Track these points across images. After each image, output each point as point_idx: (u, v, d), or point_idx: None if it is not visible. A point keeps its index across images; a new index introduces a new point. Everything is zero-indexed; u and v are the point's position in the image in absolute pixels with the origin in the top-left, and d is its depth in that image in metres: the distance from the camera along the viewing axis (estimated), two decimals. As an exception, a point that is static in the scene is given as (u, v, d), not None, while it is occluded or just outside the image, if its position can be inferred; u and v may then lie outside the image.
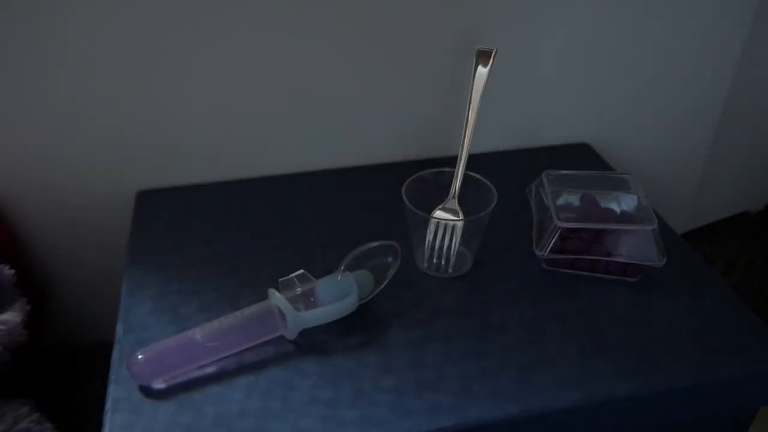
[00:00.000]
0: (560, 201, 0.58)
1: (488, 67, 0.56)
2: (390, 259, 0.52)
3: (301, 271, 0.49)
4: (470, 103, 0.56)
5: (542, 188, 0.59)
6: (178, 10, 0.58)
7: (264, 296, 0.49)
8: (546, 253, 0.54)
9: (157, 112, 0.64)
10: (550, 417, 0.44)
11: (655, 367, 0.47)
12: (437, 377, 0.46)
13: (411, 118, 0.71)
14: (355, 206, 0.65)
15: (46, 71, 0.59)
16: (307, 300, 0.49)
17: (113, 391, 0.45)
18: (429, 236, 0.54)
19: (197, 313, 0.51)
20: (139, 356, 0.45)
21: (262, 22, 0.61)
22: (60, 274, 0.72)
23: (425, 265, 0.56)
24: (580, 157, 0.76)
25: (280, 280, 0.49)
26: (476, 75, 0.56)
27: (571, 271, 0.56)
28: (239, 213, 0.64)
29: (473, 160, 0.56)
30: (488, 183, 0.55)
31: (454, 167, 0.56)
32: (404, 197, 0.53)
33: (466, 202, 0.55)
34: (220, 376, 0.46)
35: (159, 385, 0.45)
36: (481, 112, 0.56)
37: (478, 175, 0.56)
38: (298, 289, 0.49)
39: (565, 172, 0.61)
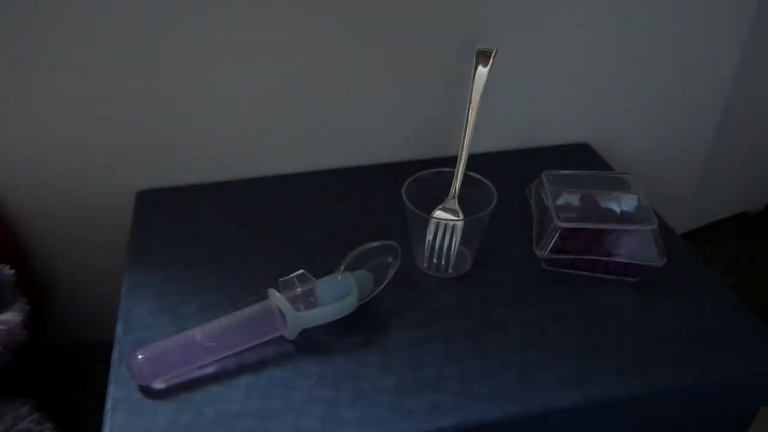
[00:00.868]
0: (560, 201, 0.58)
1: (488, 67, 0.56)
2: (390, 259, 0.52)
3: (301, 271, 0.49)
4: (470, 103, 0.56)
5: (542, 188, 0.59)
6: (178, 11, 0.58)
7: (264, 296, 0.49)
8: (546, 253, 0.54)
9: (157, 112, 0.64)
10: (550, 417, 0.44)
11: (655, 367, 0.47)
12: (437, 377, 0.46)
13: (411, 118, 0.71)
14: (355, 206, 0.65)
15: (46, 71, 0.59)
16: (307, 300, 0.49)
17: (113, 391, 0.45)
18: (429, 236, 0.54)
19: (197, 313, 0.51)
20: (139, 356, 0.45)
21: (262, 23, 0.61)
22: (60, 274, 0.72)
23: (425, 265, 0.56)
24: (580, 157, 0.76)
25: (280, 280, 0.49)
26: (476, 75, 0.56)
27: (571, 271, 0.56)
28: (239, 213, 0.64)
29: (473, 160, 0.56)
30: (488, 183, 0.55)
31: (454, 167, 0.56)
32: (404, 197, 0.53)
33: (466, 202, 0.55)
34: (220, 376, 0.46)
35: (159, 385, 0.45)
36: (481, 112, 0.56)
37: (478, 175, 0.56)
38: (298, 289, 0.49)
39: (565, 172, 0.61)
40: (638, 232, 0.54)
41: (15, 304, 0.57)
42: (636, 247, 0.54)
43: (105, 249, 0.70)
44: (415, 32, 0.65)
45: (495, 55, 0.56)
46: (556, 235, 0.54)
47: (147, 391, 0.45)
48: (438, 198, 0.56)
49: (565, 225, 0.53)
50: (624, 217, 0.56)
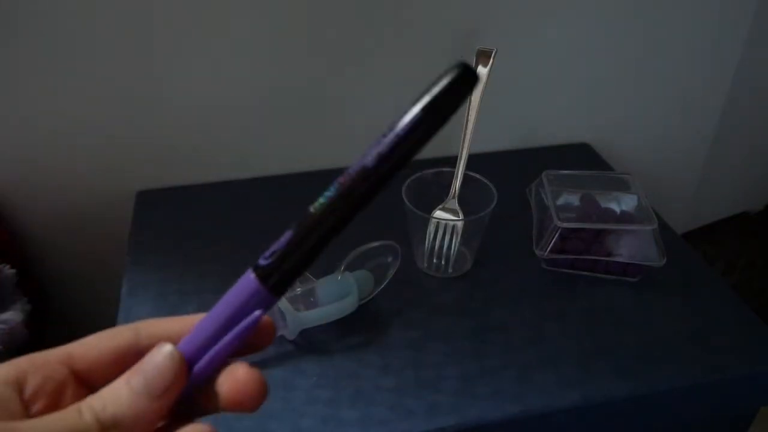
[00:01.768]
0: (560, 201, 0.58)
1: (488, 67, 0.56)
2: (390, 259, 0.52)
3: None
4: (470, 103, 0.56)
5: (542, 188, 0.59)
6: (178, 11, 0.58)
7: (264, 296, 0.49)
8: (546, 253, 0.54)
9: (156, 112, 0.64)
10: (550, 417, 0.44)
11: (655, 367, 0.47)
12: (437, 377, 0.46)
13: (411, 118, 0.71)
14: (355, 206, 0.65)
15: (46, 72, 0.59)
16: (307, 300, 0.49)
17: (113, 391, 0.45)
18: (429, 236, 0.54)
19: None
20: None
21: (262, 23, 0.61)
22: (60, 274, 0.72)
23: (425, 265, 0.56)
24: (580, 157, 0.76)
25: (280, 280, 0.49)
26: (476, 75, 0.56)
27: (571, 271, 0.56)
28: (239, 213, 0.64)
29: (473, 160, 0.56)
30: (488, 183, 0.55)
31: (454, 167, 0.56)
32: (404, 197, 0.53)
33: (466, 202, 0.55)
34: (220, 376, 0.46)
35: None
36: (481, 112, 0.55)
37: (478, 175, 0.56)
38: (298, 289, 0.49)
39: (565, 172, 0.61)
40: (638, 232, 0.54)
41: (16, 303, 0.57)
42: (636, 247, 0.54)
43: (105, 249, 0.70)
44: (415, 32, 0.65)
45: (495, 55, 0.56)
46: (556, 235, 0.54)
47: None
48: (438, 198, 0.56)
49: (565, 225, 0.53)
50: (624, 217, 0.56)
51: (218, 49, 0.61)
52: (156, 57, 0.60)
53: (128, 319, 0.51)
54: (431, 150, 0.80)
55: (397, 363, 0.47)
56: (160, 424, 0.27)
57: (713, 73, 0.78)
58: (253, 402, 0.28)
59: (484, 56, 0.56)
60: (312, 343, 0.49)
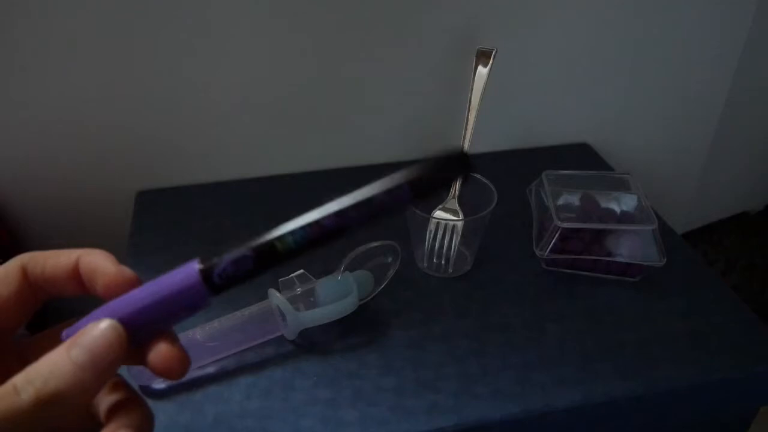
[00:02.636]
0: (560, 201, 0.58)
1: (488, 67, 0.56)
2: (390, 259, 0.52)
3: (301, 271, 0.49)
4: (470, 103, 0.56)
5: (542, 188, 0.59)
6: (178, 11, 0.58)
7: (264, 296, 0.49)
8: (546, 253, 0.54)
9: (157, 112, 0.64)
10: (550, 417, 0.44)
11: (655, 367, 0.47)
12: (437, 377, 0.46)
13: (411, 118, 0.71)
14: (355, 206, 0.65)
15: (46, 72, 0.59)
16: (307, 300, 0.49)
17: (113, 391, 0.45)
18: (429, 236, 0.54)
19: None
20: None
21: (262, 24, 0.61)
22: (60, 274, 0.72)
23: (425, 265, 0.56)
24: (580, 157, 0.76)
25: (280, 280, 0.49)
26: (476, 75, 0.56)
27: (571, 271, 0.56)
28: (239, 213, 0.64)
29: (473, 160, 0.56)
30: (488, 183, 0.55)
31: (454, 167, 0.56)
32: (404, 197, 0.53)
33: (466, 202, 0.55)
34: (220, 376, 0.46)
35: (159, 385, 0.45)
36: (481, 112, 0.56)
37: (478, 175, 0.56)
38: (298, 289, 0.49)
39: (565, 172, 0.61)
40: (638, 232, 0.54)
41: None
42: (636, 247, 0.54)
43: (105, 249, 0.70)
44: (415, 32, 0.65)
45: (495, 55, 0.56)
46: (556, 235, 0.54)
47: (147, 391, 0.45)
48: (438, 198, 0.56)
49: (565, 225, 0.53)
50: (624, 217, 0.56)
51: (218, 50, 0.61)
52: (156, 57, 0.60)
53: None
54: (431, 150, 0.80)
55: (397, 363, 0.47)
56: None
57: (713, 73, 0.78)
58: (176, 376, 0.28)
59: (484, 56, 0.57)
60: (312, 343, 0.49)
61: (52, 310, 0.74)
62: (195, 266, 0.28)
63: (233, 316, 0.48)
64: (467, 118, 0.56)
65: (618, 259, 0.54)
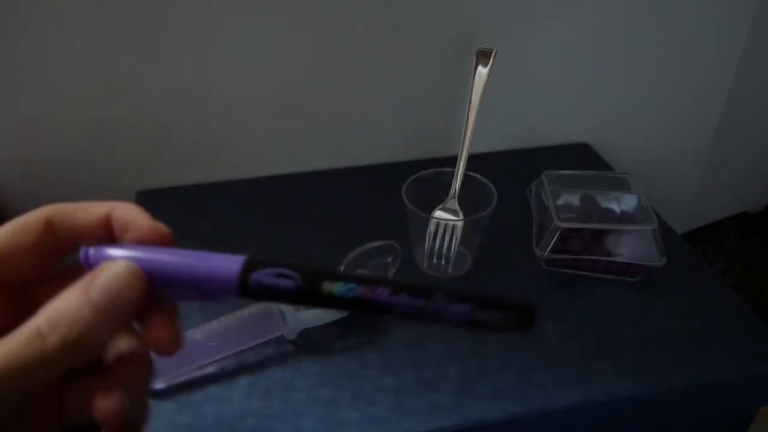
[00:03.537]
0: (560, 201, 0.58)
1: (488, 67, 0.56)
2: (390, 259, 0.52)
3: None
4: (470, 103, 0.56)
5: (542, 188, 0.59)
6: (179, 11, 0.58)
7: (264, 296, 0.49)
8: (546, 253, 0.54)
9: (157, 112, 0.64)
10: (550, 417, 0.44)
11: (655, 367, 0.47)
12: (437, 377, 0.46)
13: (411, 118, 0.71)
14: (355, 206, 0.65)
15: (46, 71, 0.59)
16: (307, 300, 0.49)
17: (113, 391, 0.45)
18: (429, 236, 0.54)
19: (197, 313, 0.51)
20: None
21: (262, 23, 0.61)
22: (60, 274, 0.72)
23: (425, 265, 0.56)
24: (580, 157, 0.76)
25: (280, 280, 0.49)
26: (476, 75, 0.56)
27: (571, 271, 0.56)
28: (239, 213, 0.64)
29: (473, 160, 0.56)
30: (488, 183, 0.55)
31: (454, 167, 0.56)
32: (404, 197, 0.53)
33: (466, 202, 0.55)
34: (220, 376, 0.46)
35: (159, 385, 0.45)
36: (481, 112, 0.56)
37: (478, 175, 0.56)
38: (298, 289, 0.49)
39: (565, 172, 0.61)
40: (638, 232, 0.54)
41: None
42: (636, 247, 0.54)
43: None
44: (415, 32, 0.65)
45: (495, 55, 0.56)
46: (556, 235, 0.54)
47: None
48: (438, 198, 0.56)
49: (565, 225, 0.53)
50: (624, 217, 0.56)
51: (219, 50, 0.61)
52: (156, 57, 0.60)
53: (128, 319, 0.51)
54: (431, 150, 0.81)
55: (397, 363, 0.47)
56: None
57: (713, 73, 0.78)
58: (167, 354, 0.28)
59: (484, 56, 0.56)
60: (312, 343, 0.49)
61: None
62: (240, 260, 0.28)
63: (233, 316, 0.48)
64: (467, 118, 0.56)
65: (618, 259, 0.54)
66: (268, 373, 0.46)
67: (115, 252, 0.29)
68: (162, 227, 0.30)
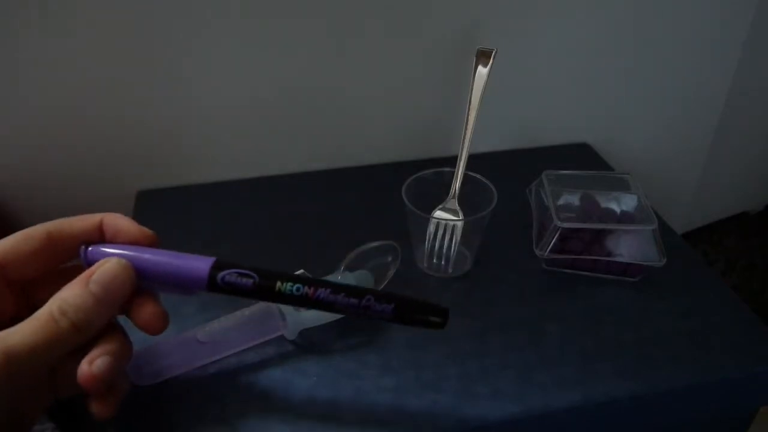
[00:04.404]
0: (560, 201, 0.58)
1: (488, 67, 0.56)
2: (390, 259, 0.52)
3: (301, 271, 0.49)
4: (470, 103, 0.56)
5: (542, 188, 0.59)
6: (178, 12, 0.58)
7: (264, 296, 0.49)
8: (546, 253, 0.54)
9: (157, 112, 0.64)
10: (550, 417, 0.44)
11: (655, 367, 0.47)
12: (437, 377, 0.46)
13: (411, 118, 0.71)
14: (355, 206, 0.65)
15: (46, 71, 0.59)
16: (307, 300, 0.49)
17: (113, 391, 0.45)
18: (429, 236, 0.54)
19: (197, 313, 0.51)
20: (139, 356, 0.45)
21: (262, 24, 0.61)
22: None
23: (425, 265, 0.56)
24: (580, 157, 0.76)
25: (280, 280, 0.49)
26: (476, 75, 0.56)
27: (571, 271, 0.56)
28: (239, 213, 0.64)
29: (473, 160, 0.56)
30: (488, 183, 0.55)
31: (454, 167, 0.56)
32: (404, 197, 0.53)
33: (466, 202, 0.55)
34: (220, 376, 0.46)
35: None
36: (481, 112, 0.56)
37: (478, 175, 0.56)
38: (298, 289, 0.49)
39: (565, 172, 0.61)
40: (638, 232, 0.54)
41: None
42: (636, 247, 0.54)
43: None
44: (415, 32, 0.65)
45: (495, 55, 0.56)
46: (556, 235, 0.54)
47: (147, 391, 0.45)
48: (438, 198, 0.56)
49: (565, 225, 0.53)
50: (624, 217, 0.56)
51: (218, 50, 0.61)
52: (156, 56, 0.60)
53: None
54: (431, 150, 0.81)
55: (397, 363, 0.47)
56: None
57: (713, 73, 0.78)
58: (156, 331, 0.35)
59: (484, 56, 0.56)
60: (312, 343, 0.49)
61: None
62: (211, 260, 0.35)
63: (233, 316, 0.48)
64: (467, 118, 0.56)
65: (618, 259, 0.54)
66: (268, 373, 0.46)
67: (108, 250, 0.35)
68: (148, 231, 0.37)
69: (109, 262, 0.33)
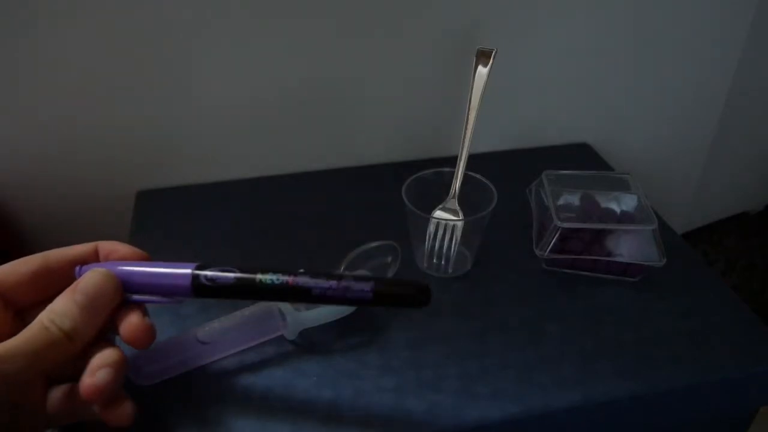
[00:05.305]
0: (560, 201, 0.58)
1: (488, 67, 0.56)
2: (390, 259, 0.52)
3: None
4: (470, 103, 0.56)
5: (542, 188, 0.59)
6: (179, 13, 0.58)
7: (264, 296, 0.49)
8: (546, 253, 0.54)
9: (157, 112, 0.64)
10: (550, 417, 0.44)
11: (655, 367, 0.47)
12: (437, 377, 0.46)
13: (411, 118, 0.71)
14: (355, 206, 0.65)
15: (46, 71, 0.59)
16: (307, 300, 0.49)
17: (113, 391, 0.45)
18: (429, 236, 0.54)
19: (197, 313, 0.51)
20: (139, 356, 0.45)
21: (262, 24, 0.61)
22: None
23: (425, 265, 0.56)
24: (580, 157, 0.76)
25: (280, 280, 0.49)
26: (476, 75, 0.56)
27: (571, 271, 0.56)
28: (239, 213, 0.64)
29: (473, 160, 0.56)
30: (488, 183, 0.55)
31: (454, 167, 0.56)
32: (404, 197, 0.53)
33: (466, 202, 0.55)
34: (220, 376, 0.46)
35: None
36: (481, 112, 0.56)
37: (478, 175, 0.56)
38: (298, 289, 0.49)
39: (565, 172, 0.61)
40: (638, 232, 0.54)
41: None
42: (636, 247, 0.54)
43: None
44: (415, 32, 0.65)
45: (495, 55, 0.56)
46: (556, 235, 0.54)
47: (147, 391, 0.45)
48: (438, 198, 0.56)
49: (565, 225, 0.53)
50: (624, 217, 0.56)
51: (218, 50, 0.61)
52: (156, 57, 0.60)
53: (128, 319, 0.51)
54: (431, 150, 0.81)
55: (397, 363, 0.47)
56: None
57: (713, 73, 0.78)
58: (141, 346, 0.36)
59: (484, 56, 0.56)
60: (312, 343, 0.49)
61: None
62: (192, 265, 0.36)
63: (233, 316, 0.48)
64: (467, 118, 0.56)
65: (618, 259, 0.54)
66: (268, 373, 0.46)
67: (98, 266, 0.37)
68: (139, 250, 0.40)
69: (93, 272, 0.35)
